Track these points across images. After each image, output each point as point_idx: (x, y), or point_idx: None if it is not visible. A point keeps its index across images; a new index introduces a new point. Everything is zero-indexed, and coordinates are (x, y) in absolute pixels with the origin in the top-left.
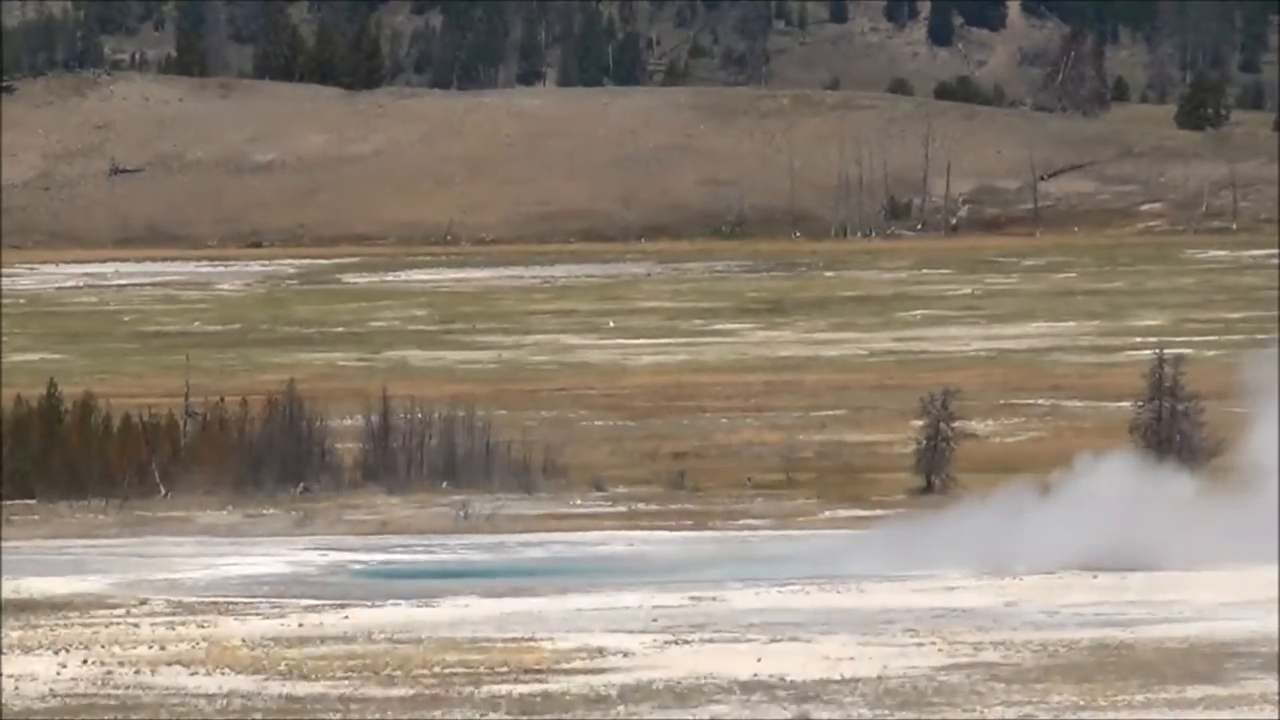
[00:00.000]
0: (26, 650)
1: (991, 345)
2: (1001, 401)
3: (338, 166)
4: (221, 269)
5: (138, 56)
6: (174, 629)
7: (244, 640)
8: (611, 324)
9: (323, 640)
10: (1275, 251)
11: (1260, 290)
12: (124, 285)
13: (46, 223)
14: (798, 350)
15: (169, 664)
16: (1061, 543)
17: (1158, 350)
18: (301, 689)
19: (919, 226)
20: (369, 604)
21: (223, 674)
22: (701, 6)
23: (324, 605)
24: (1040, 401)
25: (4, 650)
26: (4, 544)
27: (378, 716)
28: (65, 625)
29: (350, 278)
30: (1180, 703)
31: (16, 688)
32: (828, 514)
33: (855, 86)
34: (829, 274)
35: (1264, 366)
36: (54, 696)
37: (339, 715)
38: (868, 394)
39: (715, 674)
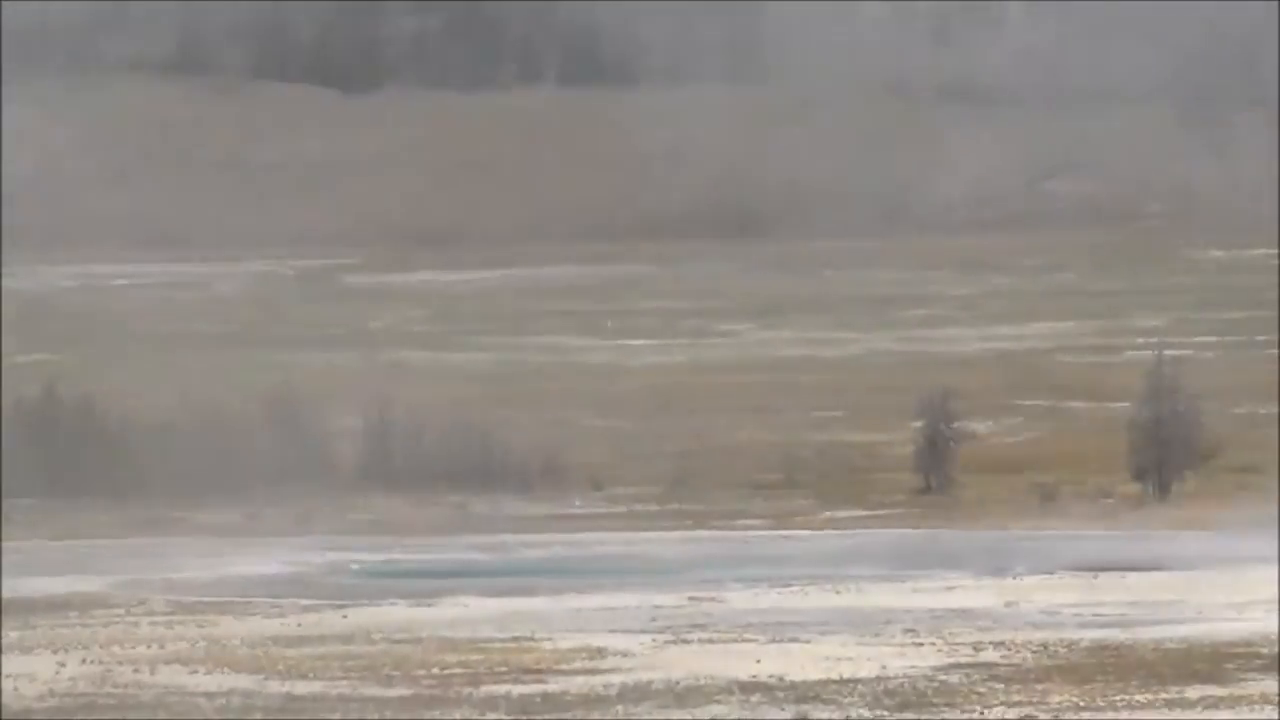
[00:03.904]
0: (26, 650)
1: (991, 345)
2: (1001, 402)
3: (337, 167)
4: (220, 270)
5: (137, 56)
6: (173, 628)
7: (243, 639)
8: (611, 324)
9: (321, 640)
10: (1275, 251)
11: (1260, 290)
12: (123, 286)
13: (45, 224)
14: (797, 350)
15: (168, 663)
16: None
17: (1157, 350)
18: (300, 688)
19: (918, 226)
20: (368, 604)
21: (222, 673)
22: (700, 6)
23: (323, 605)
24: (1040, 402)
25: (4, 650)
26: (4, 544)
27: (376, 716)
28: (64, 625)
29: (349, 278)
30: (1180, 703)
31: (16, 687)
32: (827, 514)
33: (855, 87)
34: (828, 274)
35: None
36: (53, 695)
37: (338, 715)
38: (867, 394)
39: (714, 674)
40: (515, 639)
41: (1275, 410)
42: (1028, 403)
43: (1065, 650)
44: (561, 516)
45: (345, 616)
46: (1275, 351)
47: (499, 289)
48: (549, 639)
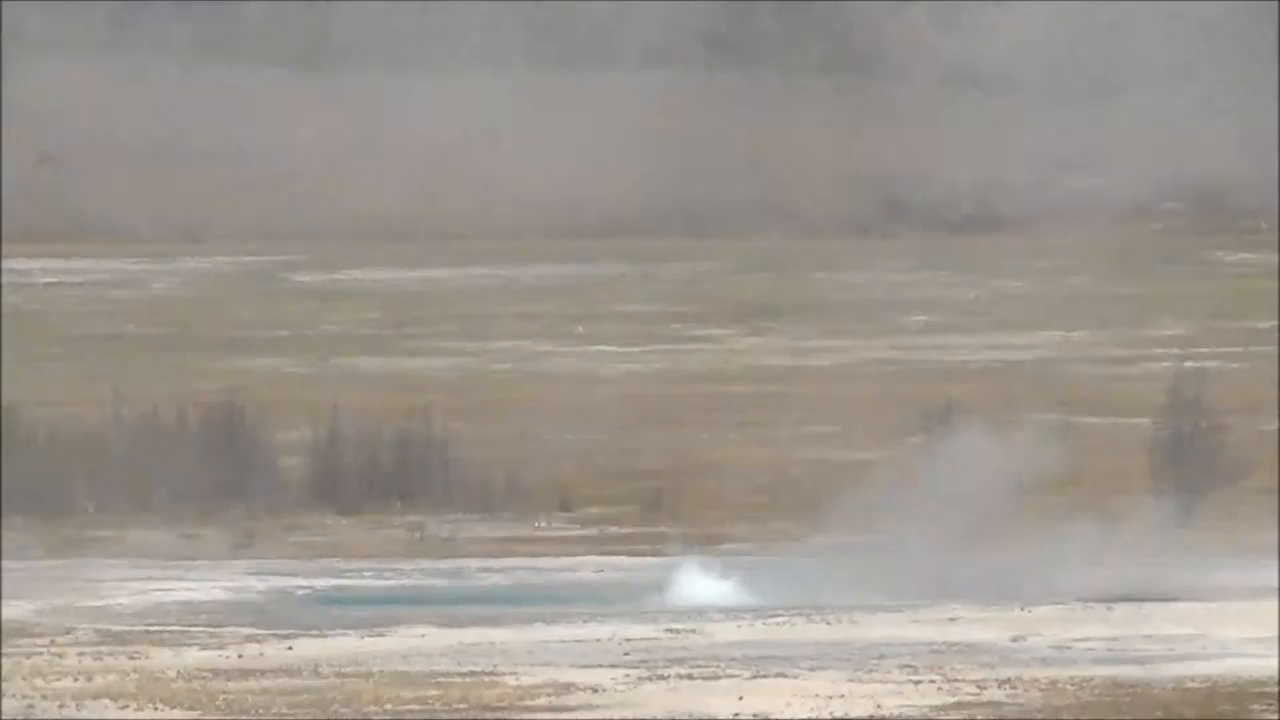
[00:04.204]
0: None
1: (997, 355)
2: (1007, 416)
3: (285, 154)
4: (157, 266)
5: (66, 30)
6: (102, 659)
7: (178, 672)
8: (582, 329)
9: (264, 673)
10: None
11: None
12: (50, 284)
13: None
14: (785, 359)
15: (96, 697)
16: None
17: (1179, 362)
18: None
19: (919, 224)
20: (315, 633)
21: (155, 709)
22: None
23: (266, 635)
24: (1050, 416)
25: None
26: None
27: None
28: None
29: (298, 276)
30: None
31: None
32: (818, 538)
33: (851, 70)
34: (820, 275)
35: None
36: None
37: None
38: (862, 407)
39: (693, 713)
40: (475, 673)
41: None
42: (1037, 417)
43: (1077, 689)
44: (526, 539)
45: (290, 648)
46: None
47: (460, 290)
48: (512, 673)
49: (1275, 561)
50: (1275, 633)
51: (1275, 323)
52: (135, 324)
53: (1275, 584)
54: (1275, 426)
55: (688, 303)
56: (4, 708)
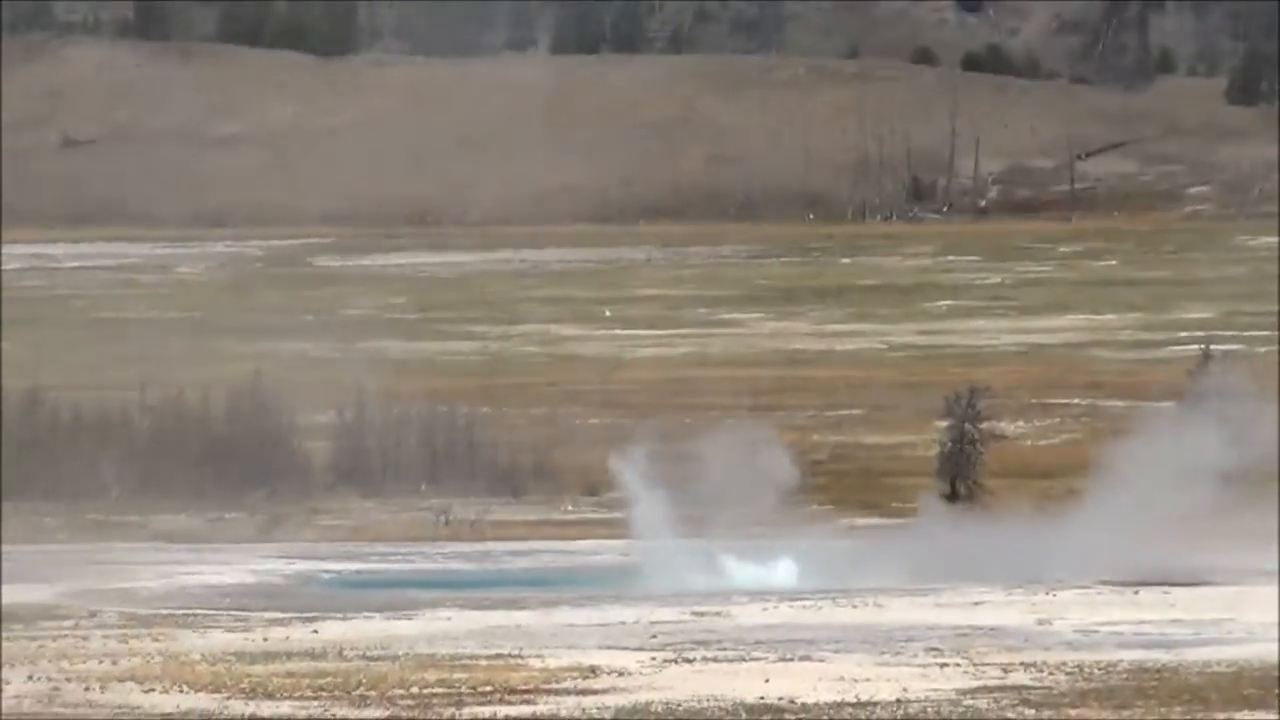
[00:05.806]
0: None
1: (1023, 339)
2: (1034, 401)
3: (309, 140)
4: (182, 250)
5: (92, 18)
6: (127, 642)
7: (203, 655)
8: (608, 313)
9: (289, 656)
10: None
11: None
12: (75, 268)
13: None
14: (811, 344)
15: (121, 680)
16: None
17: (1205, 346)
18: (266, 709)
19: (945, 209)
20: (340, 616)
21: (180, 692)
22: None
23: (291, 618)
24: (1076, 401)
25: None
26: None
27: None
28: (9, 638)
29: (322, 261)
30: None
31: None
32: (843, 521)
33: (876, 55)
34: (846, 260)
35: None
36: None
37: None
38: (888, 392)
39: (719, 696)
40: (501, 656)
41: None
42: (1063, 402)
43: (1102, 673)
44: (552, 523)
45: (315, 631)
46: None
47: (485, 274)
48: (538, 656)
49: None
50: None
51: None
52: (160, 308)
53: None
54: None
55: (714, 287)
56: (29, 689)
